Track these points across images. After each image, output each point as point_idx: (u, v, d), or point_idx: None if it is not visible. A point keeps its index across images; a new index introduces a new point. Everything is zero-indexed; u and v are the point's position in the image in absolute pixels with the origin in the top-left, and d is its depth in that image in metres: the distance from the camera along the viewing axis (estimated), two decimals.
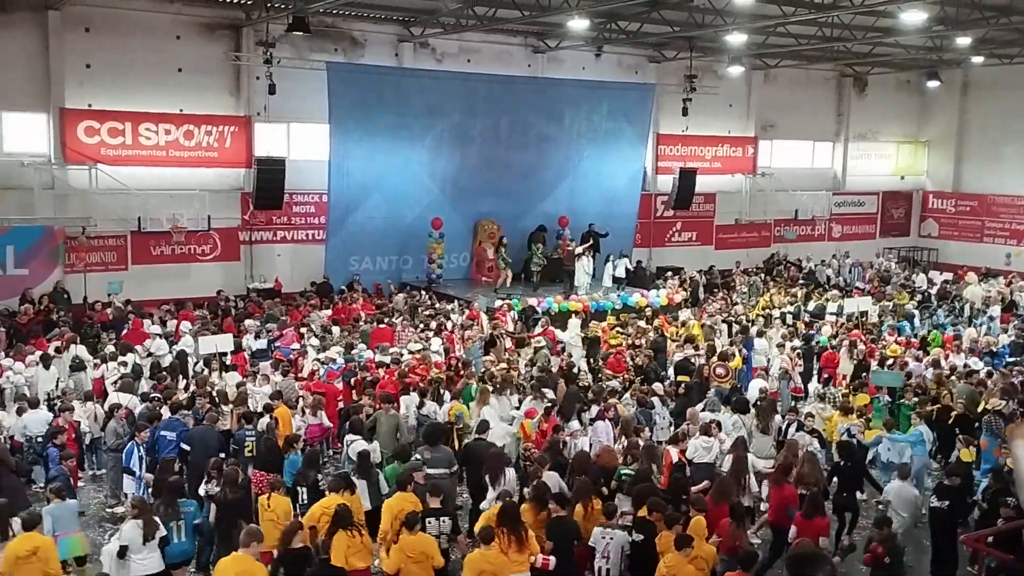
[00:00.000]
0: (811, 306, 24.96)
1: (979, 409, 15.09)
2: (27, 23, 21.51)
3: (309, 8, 21.87)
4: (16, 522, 9.76)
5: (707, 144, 32.23)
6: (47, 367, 16.27)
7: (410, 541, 9.19)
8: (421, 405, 14.32)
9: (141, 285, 22.84)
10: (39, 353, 16.81)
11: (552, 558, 9.44)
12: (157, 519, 9.79)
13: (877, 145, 36.71)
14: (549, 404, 14.19)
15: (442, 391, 15.37)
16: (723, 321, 22.60)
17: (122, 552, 9.56)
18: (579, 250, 25.25)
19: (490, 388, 14.76)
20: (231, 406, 13.93)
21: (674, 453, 12.31)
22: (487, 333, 19.84)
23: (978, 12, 22.13)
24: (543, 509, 10.04)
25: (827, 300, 25.34)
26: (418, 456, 11.70)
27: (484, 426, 12.70)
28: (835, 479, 12.46)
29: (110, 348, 17.72)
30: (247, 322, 20.22)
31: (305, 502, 10.91)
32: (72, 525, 10.40)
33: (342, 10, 23.98)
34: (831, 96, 35.46)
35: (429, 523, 9.76)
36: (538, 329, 20.71)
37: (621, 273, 26.51)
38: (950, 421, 14.57)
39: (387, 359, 17.28)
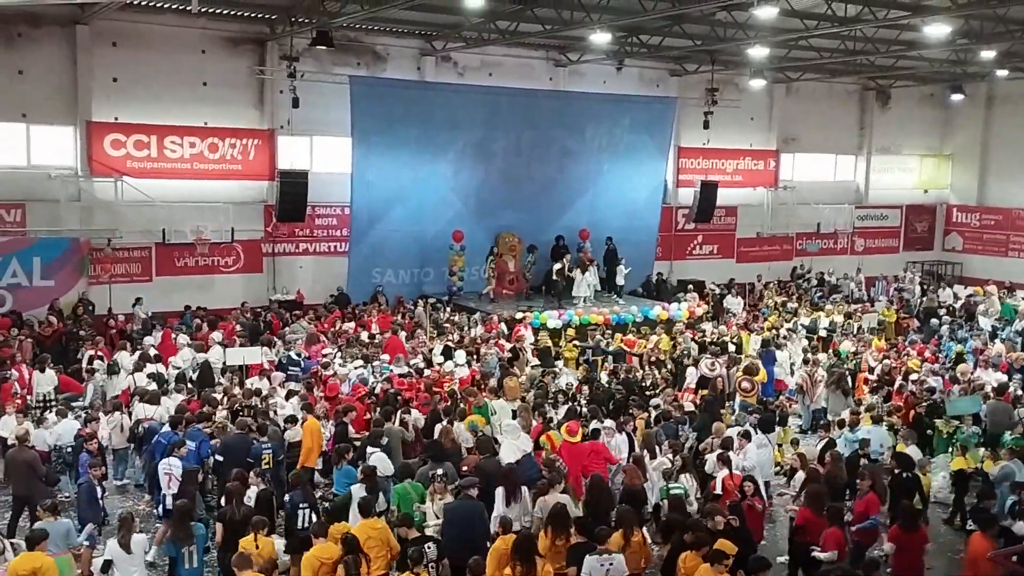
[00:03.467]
0: (806, 321, 24.68)
1: None
2: (56, 37, 21.85)
3: (333, 23, 22.04)
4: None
5: (728, 157, 32.15)
6: (42, 371, 16.45)
7: None
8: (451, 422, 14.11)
9: (165, 296, 23.05)
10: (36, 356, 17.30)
11: None
12: (135, 534, 9.73)
13: (900, 158, 36.48)
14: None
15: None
16: (695, 341, 21.79)
17: (106, 567, 9.55)
18: (556, 267, 25.27)
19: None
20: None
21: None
22: (508, 346, 19.91)
23: (1002, 26, 22.01)
24: (562, 535, 9.58)
25: (820, 315, 25.21)
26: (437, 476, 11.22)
27: (487, 445, 12.55)
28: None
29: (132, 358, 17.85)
30: (213, 334, 20.03)
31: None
32: (61, 546, 9.82)
33: (365, 24, 24.16)
34: (854, 109, 35.31)
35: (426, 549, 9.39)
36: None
37: (620, 280, 26.38)
38: None
39: (402, 370, 17.38)
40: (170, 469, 11.96)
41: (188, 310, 22.57)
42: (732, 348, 20.99)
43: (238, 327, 21.11)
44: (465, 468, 11.80)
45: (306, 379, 16.73)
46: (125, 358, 17.63)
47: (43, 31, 21.71)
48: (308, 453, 13.33)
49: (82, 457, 12.73)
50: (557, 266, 25.31)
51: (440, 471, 11.34)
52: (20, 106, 21.70)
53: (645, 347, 20.80)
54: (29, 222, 21.95)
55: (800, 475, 12.26)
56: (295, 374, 17.52)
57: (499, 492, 10.80)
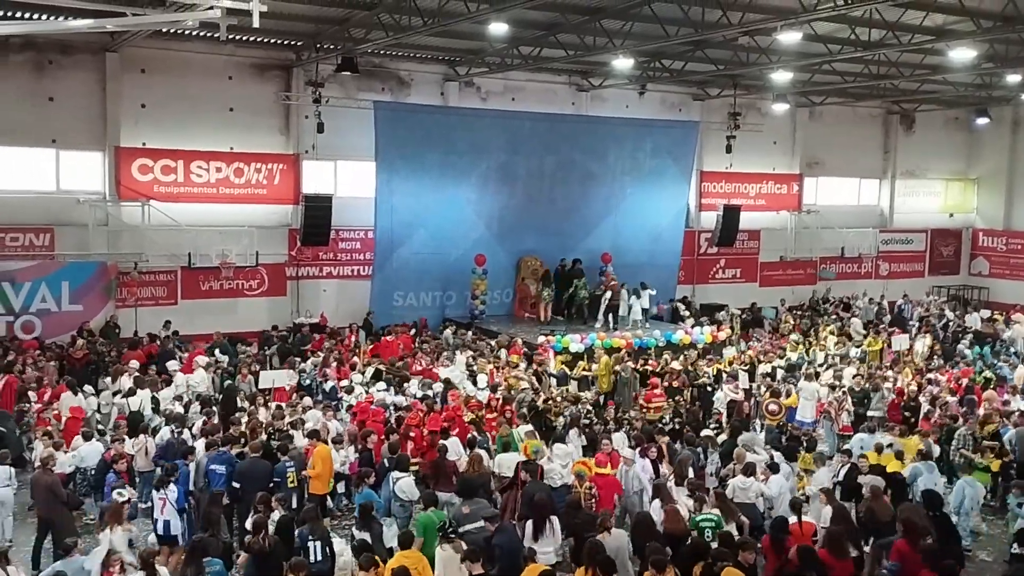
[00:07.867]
0: (793, 356, 24.24)
1: None
2: (86, 65, 22.22)
3: (358, 49, 22.31)
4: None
5: (751, 181, 32.11)
6: (75, 393, 16.58)
7: None
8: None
9: (190, 319, 23.21)
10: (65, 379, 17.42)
11: None
12: (164, 570, 9.55)
13: (925, 182, 36.28)
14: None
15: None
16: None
17: None
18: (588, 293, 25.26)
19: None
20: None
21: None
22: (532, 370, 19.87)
23: None
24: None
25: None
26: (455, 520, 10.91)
27: (534, 468, 12.44)
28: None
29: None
30: (197, 358, 19.91)
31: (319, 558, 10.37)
32: None
33: (389, 51, 24.39)
34: (877, 133, 35.19)
35: None
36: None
37: (647, 304, 26.29)
38: None
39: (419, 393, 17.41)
40: (165, 495, 11.93)
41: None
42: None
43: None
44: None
45: (323, 404, 16.71)
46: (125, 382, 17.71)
47: (73, 59, 22.09)
48: (317, 480, 13.19)
49: (108, 477, 12.78)
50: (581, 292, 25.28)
51: (466, 509, 11.07)
52: (50, 132, 22.04)
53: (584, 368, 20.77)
54: (58, 246, 22.25)
55: (827, 510, 11.65)
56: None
57: (528, 525, 10.67)
